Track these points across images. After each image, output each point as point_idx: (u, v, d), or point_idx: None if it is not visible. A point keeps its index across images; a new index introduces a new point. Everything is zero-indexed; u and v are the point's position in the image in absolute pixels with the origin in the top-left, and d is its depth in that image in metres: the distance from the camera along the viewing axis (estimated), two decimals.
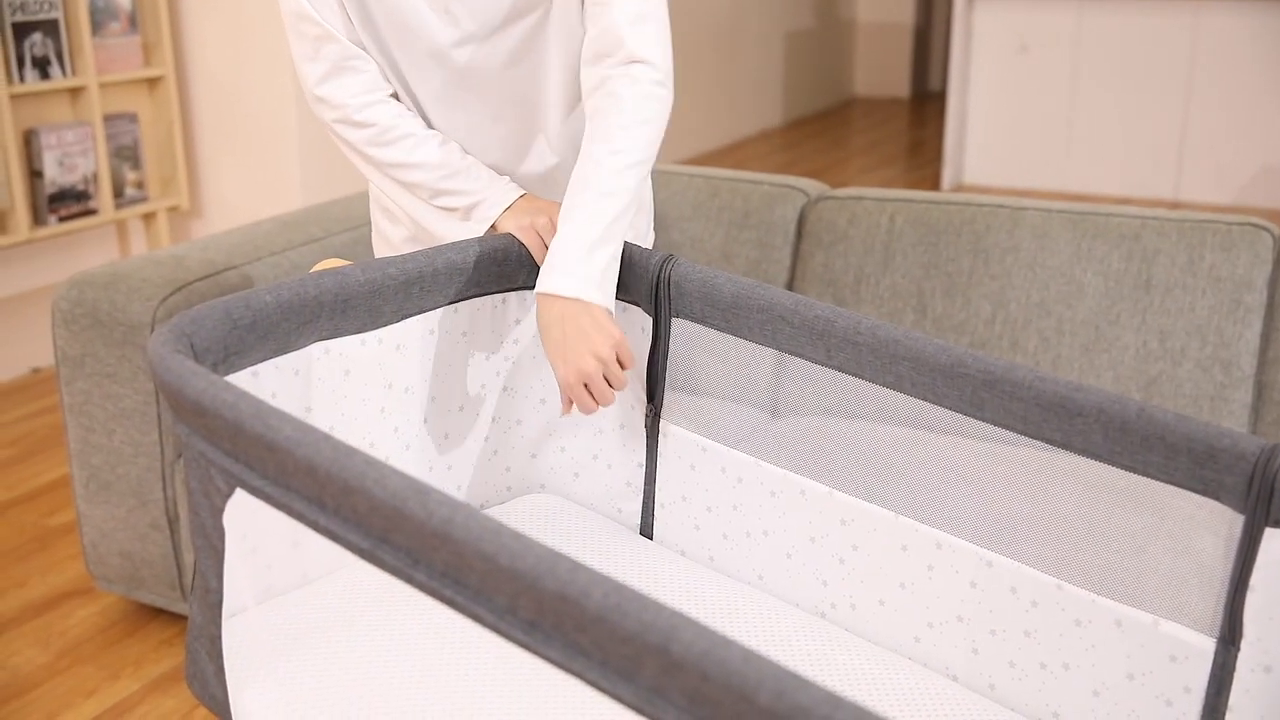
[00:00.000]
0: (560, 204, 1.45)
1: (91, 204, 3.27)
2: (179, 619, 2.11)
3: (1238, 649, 1.05)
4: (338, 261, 1.53)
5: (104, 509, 2.00)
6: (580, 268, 1.32)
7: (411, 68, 1.47)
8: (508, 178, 1.49)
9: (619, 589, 0.75)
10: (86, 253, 3.46)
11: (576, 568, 0.77)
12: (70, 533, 2.41)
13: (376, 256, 1.67)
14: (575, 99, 1.53)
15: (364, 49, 1.46)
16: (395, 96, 1.49)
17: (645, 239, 1.72)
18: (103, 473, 1.97)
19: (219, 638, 1.12)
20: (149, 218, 3.50)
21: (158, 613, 2.14)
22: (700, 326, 1.39)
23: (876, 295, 2.02)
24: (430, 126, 1.50)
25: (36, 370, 3.31)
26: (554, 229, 1.41)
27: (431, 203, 1.47)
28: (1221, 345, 1.82)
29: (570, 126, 1.55)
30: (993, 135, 5.54)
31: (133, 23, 3.32)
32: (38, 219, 3.17)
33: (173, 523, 1.96)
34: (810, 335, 1.28)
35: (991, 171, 5.55)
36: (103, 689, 1.93)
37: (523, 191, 1.47)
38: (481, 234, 1.45)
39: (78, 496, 2.03)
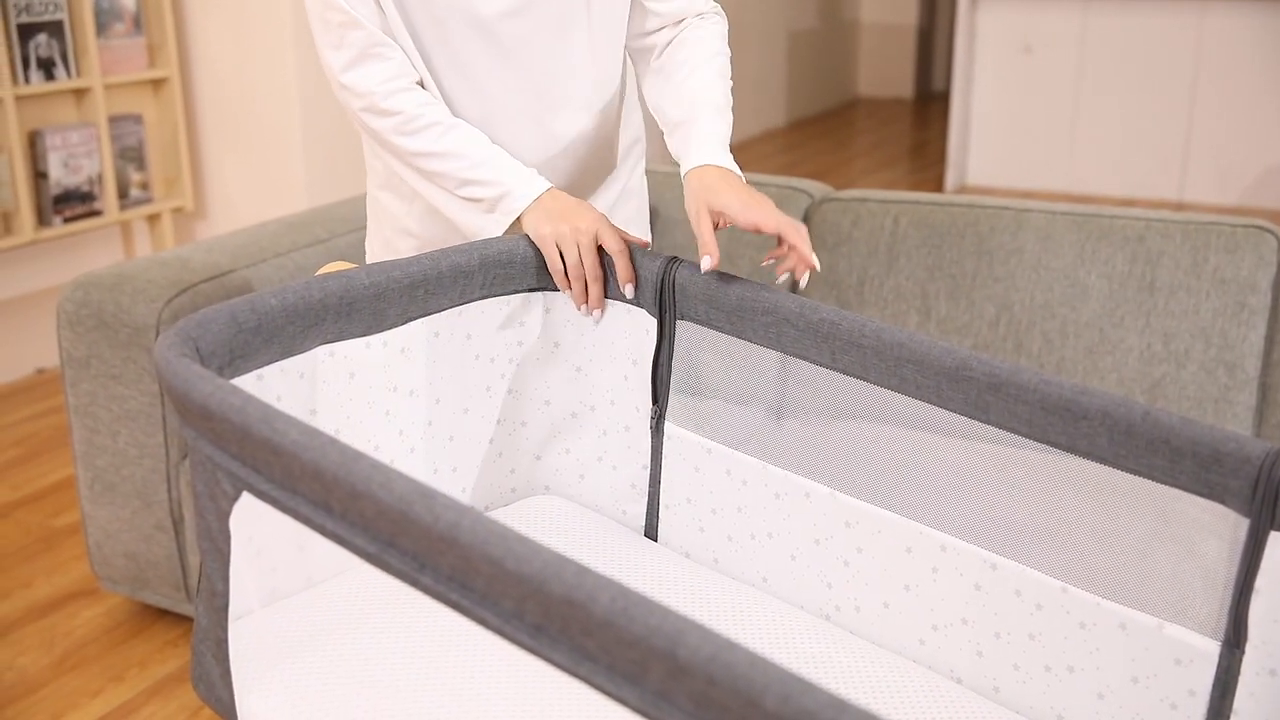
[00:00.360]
0: (587, 204, 1.45)
1: (96, 205, 3.27)
2: (184, 620, 2.12)
3: (1242, 652, 1.05)
4: (343, 264, 1.53)
5: (109, 510, 2.00)
6: (724, 154, 1.44)
7: (449, 46, 1.46)
8: (534, 170, 1.49)
9: (625, 593, 0.75)
10: (91, 254, 3.46)
11: (583, 572, 0.77)
12: (75, 533, 2.41)
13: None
14: (608, 71, 1.55)
15: (391, 37, 1.45)
16: (420, 85, 1.48)
17: (642, 234, 1.73)
18: (108, 474, 1.98)
19: (225, 641, 1.12)
20: (153, 219, 3.50)
21: (162, 614, 2.14)
22: (705, 329, 1.39)
23: (880, 297, 2.02)
24: (456, 115, 1.49)
25: (41, 371, 3.32)
26: (574, 238, 1.40)
27: (456, 193, 1.46)
28: (1225, 347, 1.82)
29: (602, 102, 1.56)
30: (996, 136, 5.54)
31: (137, 24, 3.33)
32: (42, 220, 3.18)
33: (177, 524, 1.96)
34: (815, 338, 1.28)
35: (995, 172, 5.55)
36: (108, 690, 1.94)
37: (549, 185, 1.46)
38: (506, 227, 1.45)
39: (83, 498, 2.03)
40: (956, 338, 1.96)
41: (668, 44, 1.55)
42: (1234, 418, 1.82)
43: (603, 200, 1.67)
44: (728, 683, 0.69)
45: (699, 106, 1.47)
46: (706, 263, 1.33)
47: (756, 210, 1.33)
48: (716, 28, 1.56)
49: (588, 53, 1.51)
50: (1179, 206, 5.17)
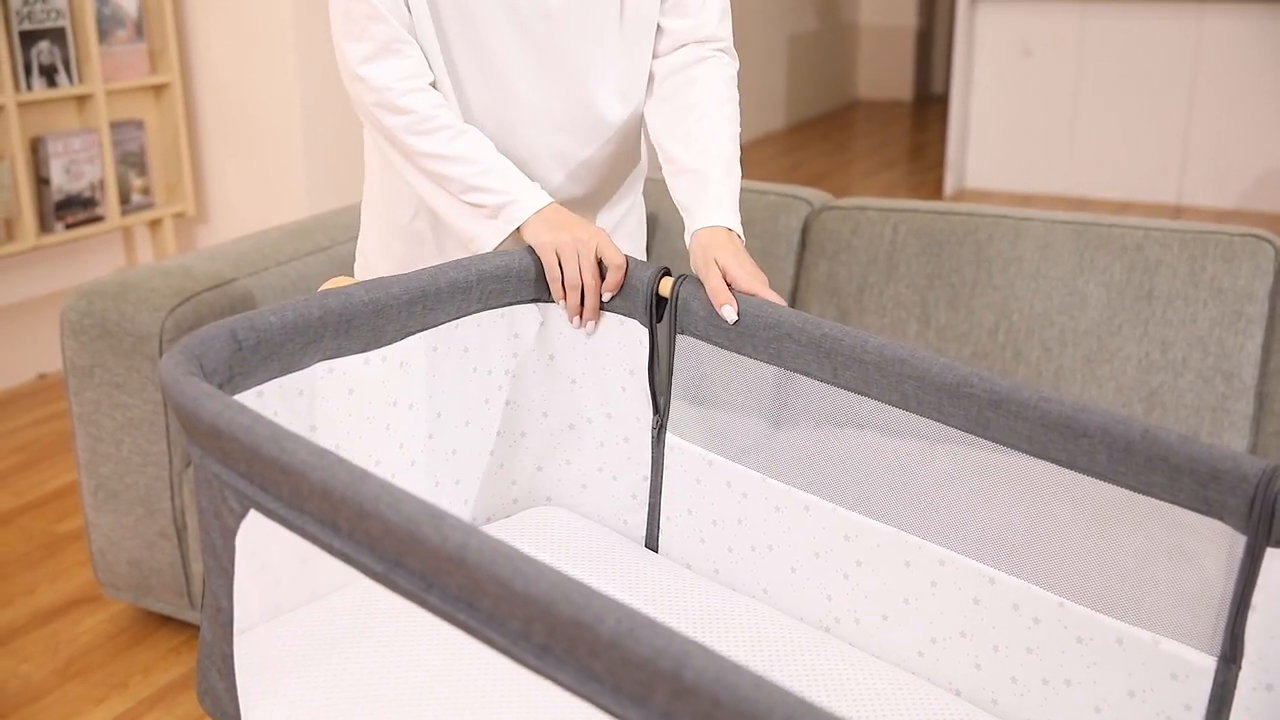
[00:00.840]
0: (587, 220, 1.46)
1: (98, 211, 3.28)
2: (187, 627, 2.13)
3: (1239, 667, 1.06)
4: (347, 279, 1.54)
5: (112, 517, 2.01)
6: (734, 217, 1.45)
7: (480, 44, 1.47)
8: (539, 184, 1.50)
9: (632, 614, 0.76)
10: (93, 259, 3.47)
11: (590, 593, 0.78)
12: (78, 539, 2.42)
13: (358, 279, 1.67)
14: (634, 84, 1.55)
15: (413, 37, 1.45)
16: (432, 86, 1.49)
17: (639, 248, 1.74)
18: (111, 482, 1.99)
19: (230, 656, 1.13)
20: (155, 224, 3.51)
21: (166, 620, 2.15)
22: (706, 344, 1.40)
23: (880, 305, 2.03)
24: (477, 117, 1.50)
25: (43, 376, 3.33)
26: (575, 248, 1.41)
27: (461, 198, 1.47)
28: (1223, 356, 1.83)
29: (625, 115, 1.57)
30: (995, 139, 5.55)
31: (139, 30, 3.33)
32: (44, 226, 3.18)
33: (180, 531, 1.97)
34: (816, 354, 1.29)
35: (994, 175, 5.56)
36: (111, 697, 1.95)
37: (551, 199, 1.47)
38: (505, 235, 1.46)
39: (86, 505, 2.04)
40: (956, 346, 1.97)
41: (673, 73, 1.55)
42: (1231, 426, 1.83)
43: (614, 214, 1.68)
44: (732, 704, 0.70)
45: (712, 159, 1.47)
46: (730, 313, 1.36)
47: (757, 284, 1.38)
48: (727, 70, 1.56)
49: (616, 62, 1.52)
50: (1177, 209, 5.18)
